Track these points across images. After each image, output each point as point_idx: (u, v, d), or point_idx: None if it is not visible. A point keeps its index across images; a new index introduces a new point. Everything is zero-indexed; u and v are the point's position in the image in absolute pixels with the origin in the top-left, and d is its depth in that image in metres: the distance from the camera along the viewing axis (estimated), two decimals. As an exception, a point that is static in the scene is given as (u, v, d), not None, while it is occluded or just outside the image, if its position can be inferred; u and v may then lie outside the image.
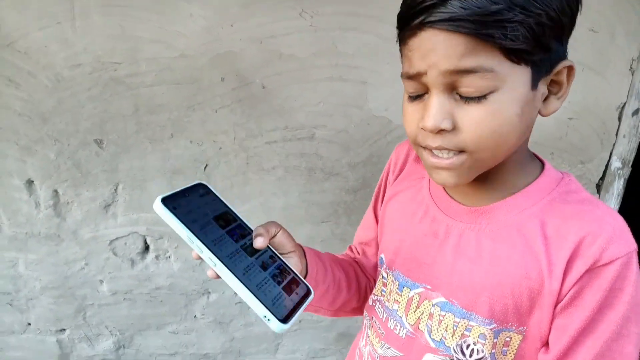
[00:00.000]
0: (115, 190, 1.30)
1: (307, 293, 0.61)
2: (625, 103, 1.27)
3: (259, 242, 0.59)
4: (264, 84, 1.20)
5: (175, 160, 1.26)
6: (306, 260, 0.69)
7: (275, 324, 0.53)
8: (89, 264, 1.37)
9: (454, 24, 0.49)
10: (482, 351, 0.61)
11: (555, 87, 0.56)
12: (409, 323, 0.67)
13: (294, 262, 0.65)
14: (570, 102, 1.26)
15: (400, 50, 0.57)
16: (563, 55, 0.55)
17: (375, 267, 0.82)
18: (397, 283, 0.69)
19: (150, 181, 1.28)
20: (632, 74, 1.24)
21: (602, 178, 1.36)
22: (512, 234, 0.59)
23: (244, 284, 0.53)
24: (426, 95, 0.55)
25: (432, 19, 0.49)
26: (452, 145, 0.54)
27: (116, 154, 1.25)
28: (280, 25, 1.15)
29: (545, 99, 0.56)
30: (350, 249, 0.88)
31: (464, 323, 0.61)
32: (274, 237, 0.64)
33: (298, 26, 1.15)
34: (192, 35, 1.15)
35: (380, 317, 0.72)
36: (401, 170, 0.77)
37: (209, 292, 1.43)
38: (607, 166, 1.35)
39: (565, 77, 0.56)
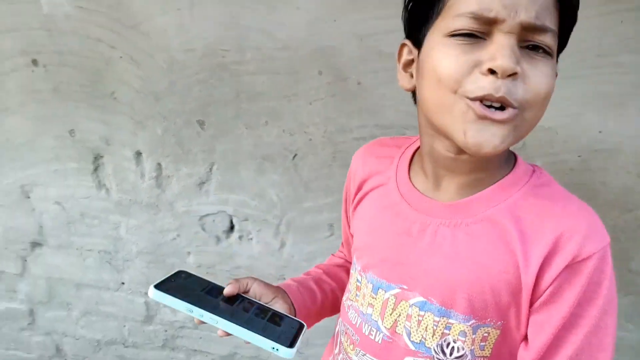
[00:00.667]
0: (210, 169, 1.38)
1: (301, 326, 0.67)
2: None
3: (228, 289, 0.68)
4: (360, 81, 1.22)
5: (267, 147, 1.32)
6: (290, 299, 0.73)
7: (283, 351, 0.61)
8: (180, 235, 1.48)
9: None
10: (463, 349, 0.60)
11: None
12: (385, 327, 0.65)
13: (279, 306, 0.70)
14: None
15: None
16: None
17: None
18: (370, 285, 0.67)
19: (242, 164, 1.35)
20: None
21: None
22: (488, 229, 0.59)
23: (248, 329, 0.62)
24: (486, 41, 0.53)
25: None
26: (514, 98, 0.52)
27: (215, 135, 1.34)
28: (383, 23, 1.15)
29: None
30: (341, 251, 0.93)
31: (444, 321, 0.60)
32: (247, 289, 0.71)
33: (400, 25, 1.15)
34: (295, 27, 1.20)
35: (354, 322, 0.70)
36: (361, 179, 0.75)
37: (284, 278, 1.47)
38: None
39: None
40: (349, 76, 1.22)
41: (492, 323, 0.59)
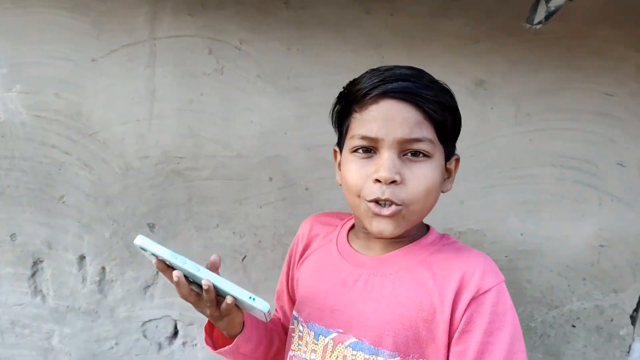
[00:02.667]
0: (157, 272, 1.37)
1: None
2: (655, 234, 1.30)
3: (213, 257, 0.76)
4: (308, 187, 1.32)
5: (217, 249, 1.35)
6: (243, 319, 0.79)
7: (260, 301, 0.67)
8: (119, 343, 1.41)
9: (411, 96, 0.68)
10: None
11: (447, 173, 0.79)
12: None
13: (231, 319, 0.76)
14: (600, 229, 1.30)
15: (351, 116, 0.76)
16: (454, 151, 0.80)
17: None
18: (312, 333, 0.77)
19: (190, 267, 1.36)
20: (661, 207, 1.29)
21: (637, 310, 1.33)
22: (408, 276, 0.73)
23: (227, 280, 0.69)
24: (376, 154, 0.71)
25: (392, 86, 0.69)
26: (397, 198, 0.68)
27: (165, 238, 1.35)
28: (328, 136, 1.26)
29: (443, 180, 0.77)
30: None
31: (373, 359, 0.70)
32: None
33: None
34: (249, 138, 1.30)
35: None
36: (308, 240, 0.89)
37: (230, 387, 1.41)
38: (641, 297, 1.33)
39: (453, 166, 0.80)
40: (298, 182, 1.32)
41: (415, 359, 0.70)
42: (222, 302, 0.71)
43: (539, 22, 1.05)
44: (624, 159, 1.27)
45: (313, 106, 1.26)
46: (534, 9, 1.05)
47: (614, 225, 1.30)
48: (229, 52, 1.26)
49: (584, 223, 1.31)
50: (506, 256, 1.33)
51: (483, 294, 0.67)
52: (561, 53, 1.23)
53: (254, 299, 0.67)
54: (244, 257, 1.35)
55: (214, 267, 0.75)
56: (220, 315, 0.73)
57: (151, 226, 1.35)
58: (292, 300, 0.94)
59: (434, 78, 0.75)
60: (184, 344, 1.41)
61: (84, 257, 1.38)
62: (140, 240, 0.68)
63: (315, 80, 1.26)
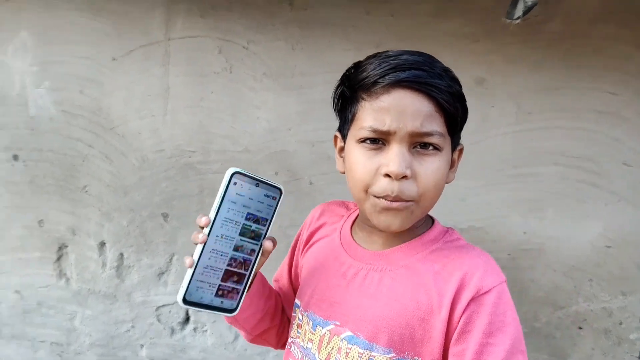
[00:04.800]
0: (170, 260, 1.45)
1: (230, 310, 0.69)
2: (663, 236, 1.27)
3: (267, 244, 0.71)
4: (311, 181, 1.36)
5: (225, 239, 1.41)
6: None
7: (180, 294, 0.64)
8: (135, 326, 1.50)
9: (424, 86, 0.65)
10: None
11: (450, 164, 0.74)
12: (320, 359, 0.74)
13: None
14: (606, 230, 1.28)
15: (358, 103, 0.70)
16: (459, 141, 0.76)
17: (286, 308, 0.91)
18: (311, 323, 0.78)
19: (201, 256, 1.43)
20: (669, 208, 1.26)
21: (645, 312, 1.31)
22: (408, 273, 0.71)
23: (198, 260, 0.64)
24: (386, 145, 0.68)
25: (405, 75, 0.65)
26: (406, 195, 0.67)
27: (177, 227, 1.43)
28: (331, 132, 1.32)
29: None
30: None
31: (367, 354, 0.69)
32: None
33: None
34: (256, 134, 1.36)
35: (297, 357, 0.79)
36: (314, 228, 0.89)
37: (235, 372, 1.48)
38: (649, 300, 1.30)
39: (457, 156, 0.77)
40: (302, 176, 1.36)
41: (410, 357, 0.69)
42: None
43: (518, 18, 1.05)
44: (629, 159, 1.25)
45: (316, 103, 1.31)
46: (514, 4, 1.05)
47: (620, 226, 1.28)
48: (237, 51, 1.33)
49: (589, 223, 1.29)
50: (509, 254, 1.33)
51: (483, 294, 0.65)
52: (563, 51, 1.23)
53: (181, 288, 0.64)
54: (250, 248, 1.41)
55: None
56: None
57: (165, 216, 1.43)
58: (291, 283, 0.95)
59: (444, 65, 0.71)
60: (194, 329, 1.48)
61: (104, 244, 1.47)
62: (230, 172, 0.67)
63: (318, 78, 1.31)
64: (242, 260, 0.69)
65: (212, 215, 0.66)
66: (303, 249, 0.90)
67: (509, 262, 1.33)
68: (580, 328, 1.35)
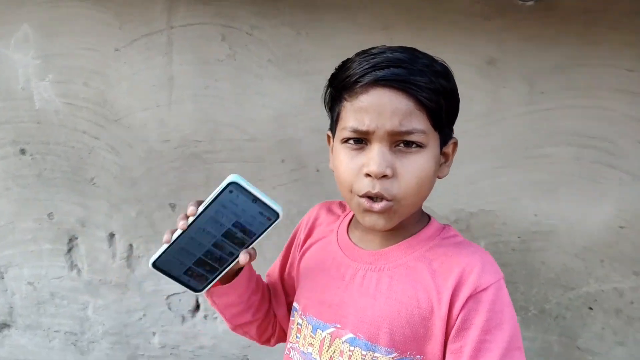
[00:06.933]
0: (180, 250, 1.46)
1: (195, 290, 0.74)
2: (678, 216, 1.25)
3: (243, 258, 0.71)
4: (319, 168, 1.35)
5: (234, 228, 1.41)
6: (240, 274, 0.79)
7: (152, 258, 0.69)
8: (146, 315, 1.51)
9: (402, 84, 0.64)
10: None
11: (444, 158, 0.74)
12: None
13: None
14: (620, 210, 1.26)
15: (341, 104, 0.71)
16: (451, 134, 0.75)
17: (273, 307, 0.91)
18: (310, 327, 0.77)
19: (210, 245, 1.43)
20: (684, 187, 1.23)
21: (658, 292, 1.29)
22: (406, 272, 0.72)
23: (175, 240, 0.69)
24: (368, 145, 0.68)
25: (383, 74, 0.65)
26: (388, 193, 0.66)
27: (185, 217, 1.43)
28: (338, 118, 1.31)
29: (440, 166, 0.72)
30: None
31: (370, 355, 0.69)
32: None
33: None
34: (262, 122, 1.35)
35: None
36: (310, 228, 0.89)
37: (247, 358, 1.49)
38: (663, 281, 1.29)
39: (451, 150, 0.75)
40: (309, 164, 1.35)
41: (412, 356, 0.69)
42: None
43: (532, -1, 1.02)
44: (643, 137, 1.22)
45: (323, 89, 1.29)
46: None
47: (635, 206, 1.26)
48: (241, 38, 1.31)
49: (603, 203, 1.27)
50: (519, 237, 1.32)
51: (481, 291, 0.66)
52: (578, 28, 1.19)
53: (152, 261, 0.70)
54: (259, 236, 1.41)
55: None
56: None
57: (172, 206, 1.43)
58: (282, 280, 0.94)
59: (428, 59, 0.69)
60: (205, 317, 1.49)
61: (114, 235, 1.48)
62: (232, 177, 0.68)
63: (324, 64, 1.27)
64: (219, 257, 0.71)
65: (200, 209, 0.68)
66: (300, 249, 0.89)
67: (519, 244, 1.32)
68: (590, 308, 1.34)
